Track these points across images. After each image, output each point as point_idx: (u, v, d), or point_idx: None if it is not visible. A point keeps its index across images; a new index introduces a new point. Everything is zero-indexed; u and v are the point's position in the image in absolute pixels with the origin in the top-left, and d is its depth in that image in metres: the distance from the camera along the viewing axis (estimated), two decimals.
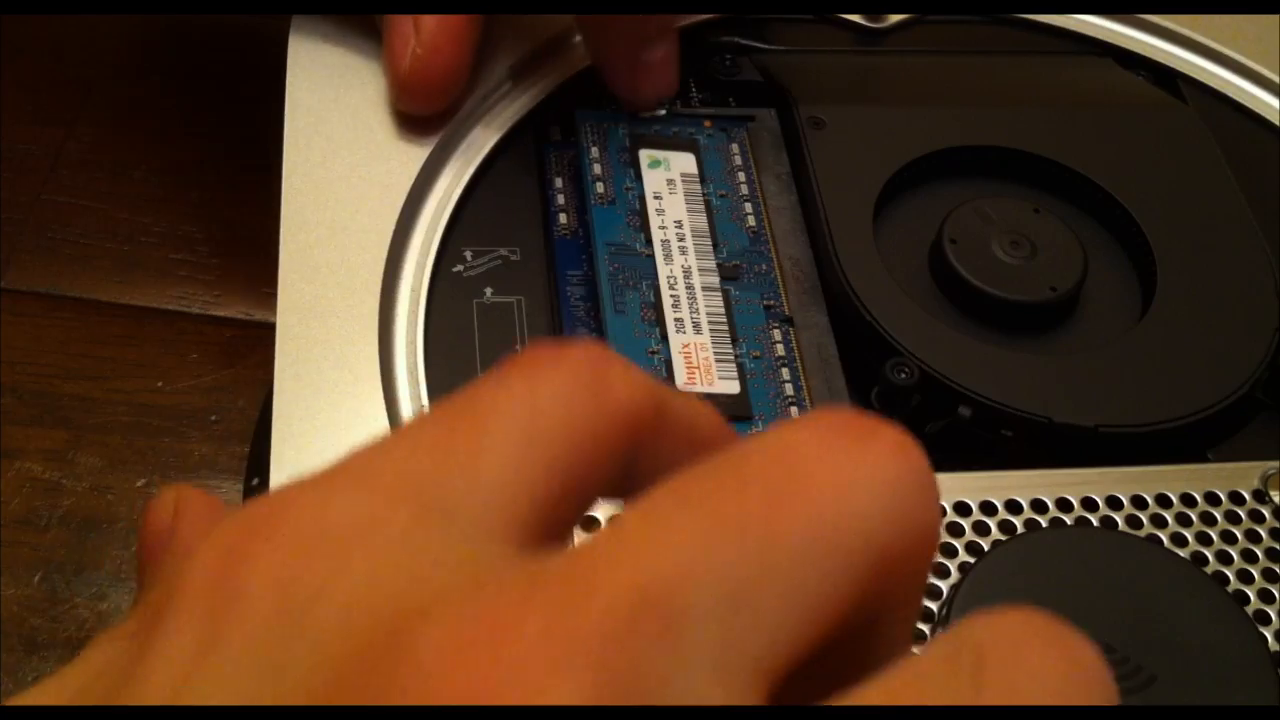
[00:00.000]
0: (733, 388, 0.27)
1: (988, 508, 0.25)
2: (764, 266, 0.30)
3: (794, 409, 0.27)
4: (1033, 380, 0.27)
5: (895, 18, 0.36)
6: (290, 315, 0.27)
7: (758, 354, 0.28)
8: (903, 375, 0.27)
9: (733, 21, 0.35)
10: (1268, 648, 0.23)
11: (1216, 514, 0.26)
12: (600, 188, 0.30)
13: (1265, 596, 0.25)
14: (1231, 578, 0.25)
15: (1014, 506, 0.25)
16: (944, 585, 0.24)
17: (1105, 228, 0.32)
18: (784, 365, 0.28)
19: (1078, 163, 0.32)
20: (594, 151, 0.31)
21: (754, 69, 0.34)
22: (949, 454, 0.27)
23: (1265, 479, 0.26)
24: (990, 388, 0.27)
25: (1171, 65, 0.36)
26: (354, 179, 0.29)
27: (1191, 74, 0.36)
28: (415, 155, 0.30)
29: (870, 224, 0.30)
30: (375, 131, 0.30)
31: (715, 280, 0.29)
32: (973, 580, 0.23)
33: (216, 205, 0.39)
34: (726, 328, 0.28)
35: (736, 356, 0.28)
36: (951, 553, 0.25)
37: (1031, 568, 0.24)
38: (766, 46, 0.35)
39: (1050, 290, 0.29)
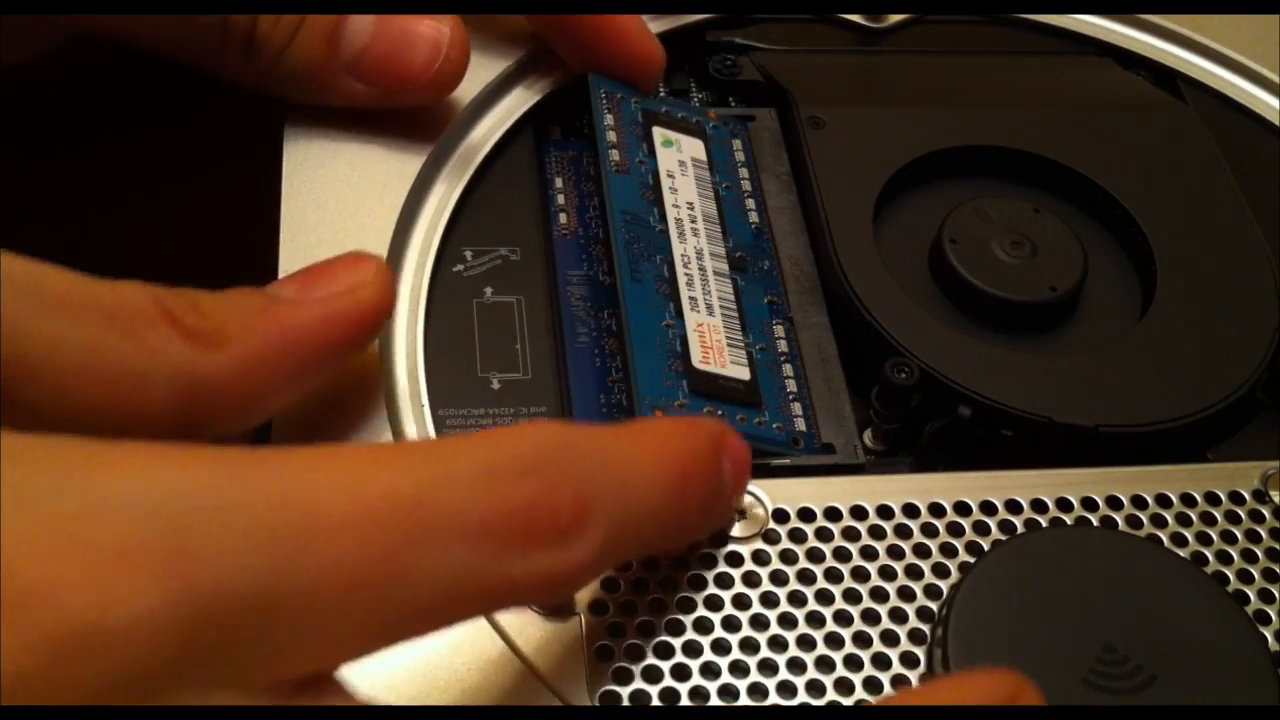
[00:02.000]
0: (743, 374, 0.27)
1: (988, 507, 0.25)
2: (766, 264, 0.30)
3: (797, 405, 0.27)
4: (1033, 380, 0.27)
5: (895, 18, 0.36)
6: None
7: (763, 347, 0.28)
8: (903, 375, 0.27)
9: (733, 21, 0.35)
10: (1268, 648, 0.23)
11: (1216, 514, 0.26)
12: (615, 155, 0.30)
13: (1265, 596, 0.25)
14: (1231, 578, 0.25)
15: (1014, 506, 0.25)
16: (944, 585, 0.24)
17: (1105, 227, 0.32)
18: (786, 361, 0.28)
19: (1078, 163, 0.32)
20: (609, 119, 0.30)
21: (754, 68, 0.34)
22: (949, 454, 0.27)
23: (1265, 479, 0.26)
24: (990, 387, 0.27)
25: (1171, 65, 0.36)
26: (353, 179, 0.29)
27: (1191, 74, 0.36)
28: (415, 155, 0.30)
29: (870, 224, 0.30)
30: (375, 131, 0.30)
31: (725, 267, 0.29)
32: (972, 580, 0.23)
33: (217, 205, 0.38)
34: (737, 314, 0.28)
35: (746, 345, 0.28)
36: (951, 552, 0.25)
37: (1031, 568, 0.24)
38: (766, 46, 0.35)
39: (1050, 290, 0.29)
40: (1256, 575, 0.25)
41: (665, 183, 0.30)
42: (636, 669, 0.23)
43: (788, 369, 0.28)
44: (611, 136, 0.30)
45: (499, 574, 0.17)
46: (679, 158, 0.31)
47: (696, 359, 0.27)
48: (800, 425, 0.27)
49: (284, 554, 0.15)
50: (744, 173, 0.32)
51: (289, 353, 0.21)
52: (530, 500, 0.18)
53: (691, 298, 0.28)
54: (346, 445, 0.17)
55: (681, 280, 0.28)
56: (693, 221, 0.29)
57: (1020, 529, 0.25)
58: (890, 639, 0.23)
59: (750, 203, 0.31)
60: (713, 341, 0.27)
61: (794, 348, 0.28)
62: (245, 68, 0.29)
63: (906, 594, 0.24)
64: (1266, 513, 0.26)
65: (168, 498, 0.15)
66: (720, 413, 0.26)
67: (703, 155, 0.31)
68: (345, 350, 0.21)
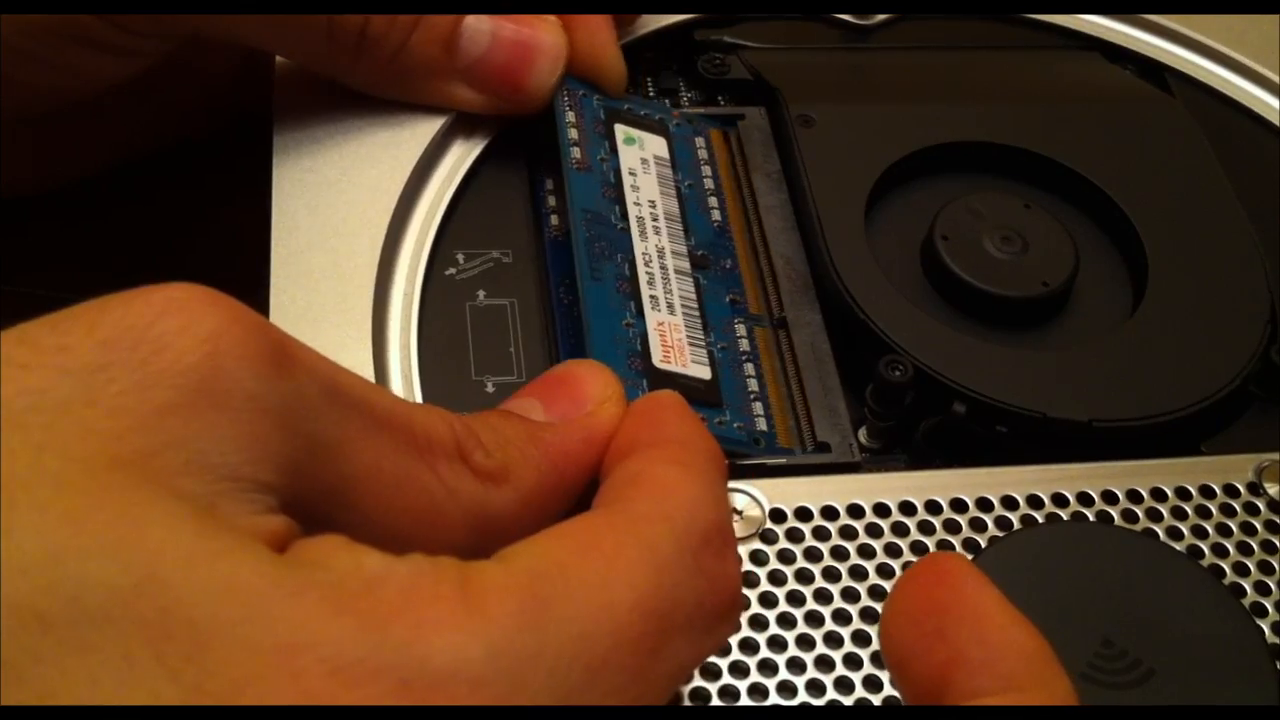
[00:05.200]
0: (704, 373, 0.27)
1: (984, 504, 0.25)
2: (729, 262, 0.30)
3: (758, 404, 0.27)
4: (1027, 376, 0.28)
5: (883, 15, 0.36)
6: (282, 321, 0.27)
7: (725, 346, 0.28)
8: (897, 372, 0.27)
9: (721, 20, 0.35)
10: (1264, 640, 0.23)
11: (1211, 507, 0.26)
12: (576, 153, 0.30)
13: (1261, 589, 0.25)
14: (1227, 570, 0.25)
15: (1010, 503, 0.25)
16: None
17: (1095, 222, 0.32)
18: (748, 360, 0.28)
19: (1067, 157, 0.32)
20: (570, 116, 0.30)
21: (743, 67, 0.34)
22: (944, 451, 0.27)
23: (1259, 471, 0.26)
24: (984, 384, 0.27)
25: (1158, 59, 0.36)
26: (344, 183, 0.29)
27: (1178, 67, 0.36)
28: (406, 158, 0.30)
29: (862, 221, 0.30)
30: (365, 135, 0.30)
31: (687, 265, 0.29)
32: None
33: (215, 206, 0.38)
34: (699, 313, 0.28)
35: (708, 344, 0.27)
36: (948, 549, 0.25)
37: (1028, 564, 0.24)
38: (755, 45, 0.35)
39: (1042, 285, 0.29)
40: (1252, 568, 0.25)
41: (627, 180, 0.30)
42: None
43: (749, 368, 0.28)
44: (573, 134, 0.30)
45: (702, 653, 0.19)
46: (641, 155, 0.30)
47: (657, 358, 0.26)
48: (761, 425, 0.27)
49: (576, 693, 0.17)
50: (706, 170, 0.31)
51: (563, 480, 0.21)
52: (712, 579, 0.19)
53: (653, 296, 0.28)
54: (584, 537, 0.18)
55: (643, 279, 0.28)
56: (654, 220, 0.29)
57: (1016, 525, 0.25)
58: None
59: (713, 200, 0.31)
60: (674, 340, 0.27)
61: (754, 346, 0.28)
62: (357, 68, 0.29)
63: None
64: (1261, 505, 0.26)
65: (488, 663, 0.16)
66: None
67: (665, 153, 0.31)
68: (598, 466, 0.22)
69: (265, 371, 0.17)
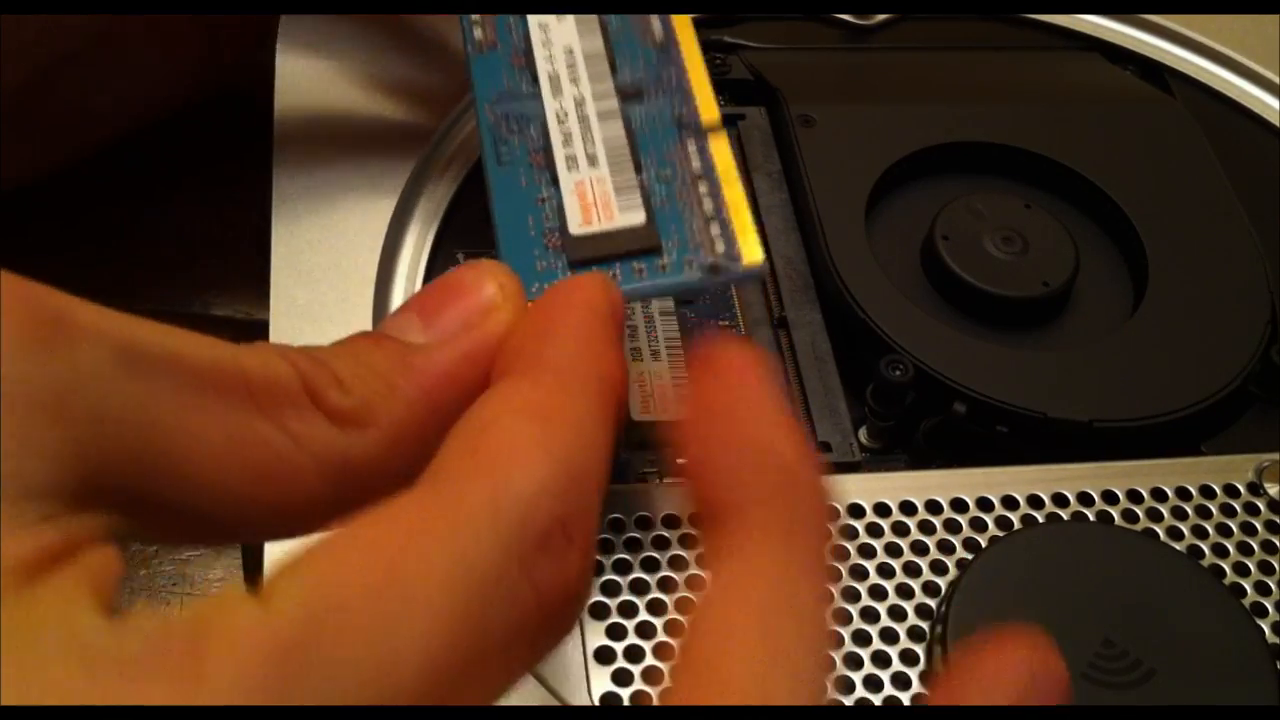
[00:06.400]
0: (637, 218, 0.24)
1: (984, 504, 0.25)
2: (673, 75, 0.26)
3: (714, 225, 0.24)
4: (1027, 376, 0.28)
5: (884, 15, 0.36)
6: (283, 320, 0.27)
7: (668, 174, 0.24)
8: (897, 372, 0.27)
9: (722, 20, 0.35)
10: (1265, 640, 0.23)
11: (1211, 507, 0.26)
12: (479, 32, 0.26)
13: (1261, 589, 0.25)
14: (1228, 570, 0.25)
15: (1010, 503, 0.25)
16: (942, 582, 0.24)
17: (1096, 222, 0.32)
18: (701, 180, 0.24)
19: (1067, 158, 0.32)
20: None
21: (743, 67, 0.34)
22: (944, 451, 0.27)
23: (1259, 471, 0.26)
24: (985, 384, 0.27)
25: (1158, 59, 0.36)
26: (345, 181, 0.29)
27: (1178, 68, 0.36)
28: (407, 156, 0.30)
29: (862, 221, 0.30)
30: (367, 133, 0.30)
31: (613, 105, 0.25)
32: (970, 577, 0.23)
33: (216, 205, 0.38)
34: (628, 154, 0.25)
35: (642, 183, 0.24)
36: (949, 549, 0.25)
37: (1029, 564, 0.24)
38: (756, 45, 0.35)
39: (1043, 285, 0.29)
40: (1252, 568, 0.25)
41: (536, 37, 0.26)
42: (636, 670, 0.23)
43: (702, 186, 0.24)
44: (475, 16, 0.27)
45: (522, 669, 0.16)
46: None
47: (575, 224, 0.24)
48: (719, 247, 0.23)
49: None
50: None
51: (435, 411, 0.18)
52: (541, 589, 0.16)
53: (569, 156, 0.25)
54: (381, 553, 0.15)
55: (557, 141, 0.25)
56: (571, 68, 0.26)
57: (1017, 525, 0.25)
58: (889, 636, 0.23)
59: (655, 22, 0.27)
60: (596, 195, 0.24)
61: (709, 162, 0.24)
62: None
63: (905, 591, 0.24)
64: (1261, 505, 0.26)
65: None
66: (615, 273, 0.23)
67: None
68: (487, 382, 0.18)
69: (28, 351, 0.15)
